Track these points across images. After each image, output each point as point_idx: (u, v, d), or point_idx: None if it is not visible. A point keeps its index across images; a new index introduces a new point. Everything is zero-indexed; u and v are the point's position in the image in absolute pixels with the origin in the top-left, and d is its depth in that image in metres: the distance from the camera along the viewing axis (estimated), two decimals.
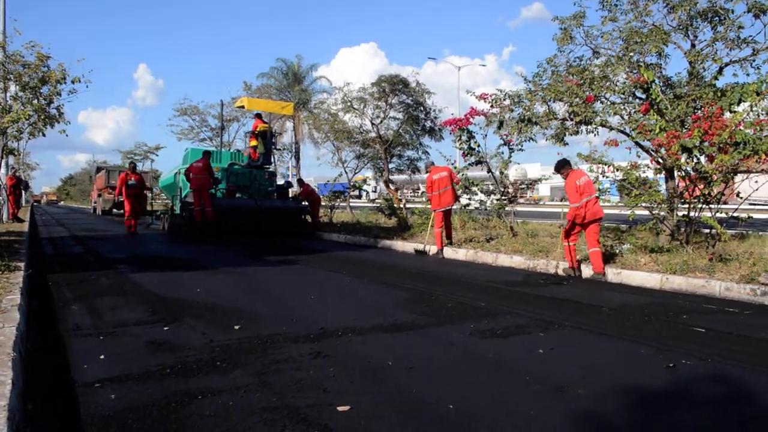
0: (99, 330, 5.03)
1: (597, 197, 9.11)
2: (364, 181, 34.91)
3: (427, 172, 12.56)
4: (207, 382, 3.65)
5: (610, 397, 3.53)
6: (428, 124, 23.60)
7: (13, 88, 17.47)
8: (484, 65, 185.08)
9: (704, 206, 9.17)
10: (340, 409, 3.22)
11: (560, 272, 9.08)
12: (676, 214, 9.97)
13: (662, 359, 4.29)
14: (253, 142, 17.74)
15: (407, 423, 3.09)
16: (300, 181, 19.74)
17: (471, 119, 12.61)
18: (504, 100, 12.42)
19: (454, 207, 13.01)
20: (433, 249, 12.02)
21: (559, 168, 9.37)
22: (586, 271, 8.78)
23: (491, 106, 12.51)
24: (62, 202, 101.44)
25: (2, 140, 17.57)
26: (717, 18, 11.26)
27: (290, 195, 19.76)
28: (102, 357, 4.19)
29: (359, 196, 50.32)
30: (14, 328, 4.20)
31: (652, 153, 10.58)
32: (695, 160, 9.23)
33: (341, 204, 23.27)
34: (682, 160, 9.14)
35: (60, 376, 3.80)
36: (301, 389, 3.54)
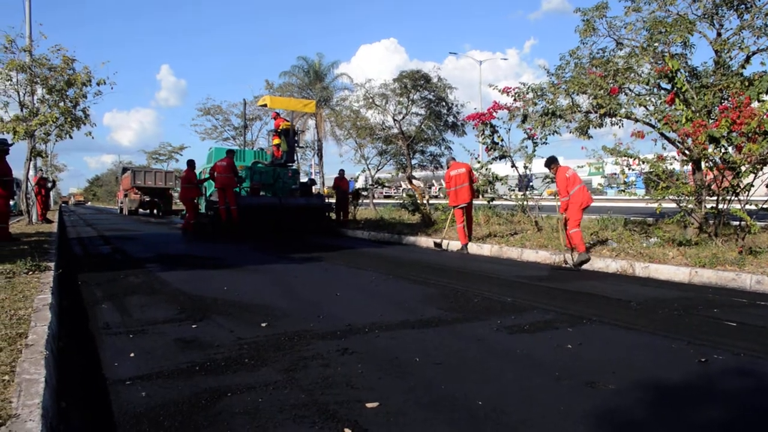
0: (129, 328, 5.09)
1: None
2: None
3: (447, 168, 12.61)
4: (236, 380, 3.68)
5: (641, 392, 3.48)
6: (450, 119, 23.59)
7: (39, 91, 17.82)
8: (505, 59, 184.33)
9: (733, 197, 9.03)
10: (368, 405, 3.22)
11: (572, 264, 9.11)
12: (704, 206, 9.82)
13: (693, 354, 4.23)
14: (276, 141, 17.85)
15: (437, 419, 3.08)
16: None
17: (494, 113, 12.55)
18: (527, 93, 12.34)
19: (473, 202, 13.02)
20: (453, 244, 12.00)
21: (549, 164, 9.93)
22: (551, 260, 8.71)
23: (514, 100, 12.44)
24: (89, 203, 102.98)
25: (30, 143, 17.90)
26: (743, 6, 11.09)
27: (314, 191, 19.83)
28: (132, 355, 4.24)
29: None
30: (46, 326, 4.26)
31: (679, 144, 10.44)
32: (723, 150, 9.10)
33: (365, 201, 23.30)
34: (710, 150, 9.01)
35: (92, 373, 3.85)
36: (330, 386, 3.55)
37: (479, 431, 2.93)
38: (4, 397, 2.86)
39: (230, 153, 16.52)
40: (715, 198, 9.41)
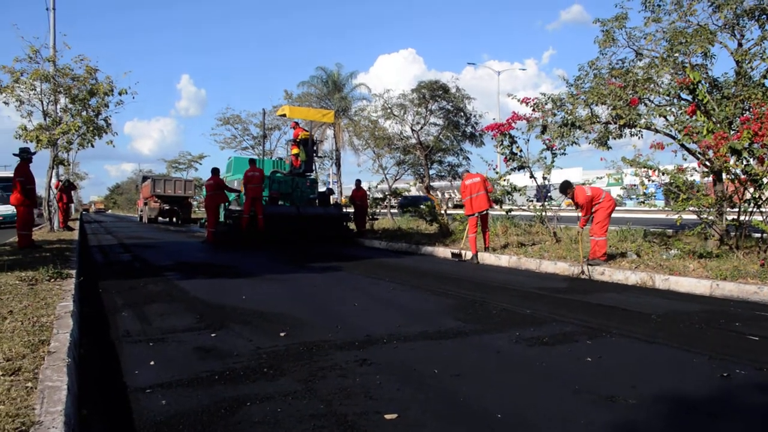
0: (148, 336, 5.13)
1: None
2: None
3: (461, 179, 12.71)
4: (255, 389, 3.69)
5: (662, 406, 3.45)
6: (469, 129, 23.60)
7: (62, 100, 18.08)
8: (524, 69, 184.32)
9: (755, 209, 8.93)
10: (387, 416, 3.22)
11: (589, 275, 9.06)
12: (725, 218, 9.72)
13: (715, 368, 4.18)
14: (295, 150, 17.96)
15: (456, 430, 3.07)
16: (358, 183, 19.74)
17: (513, 124, 12.53)
18: (546, 104, 12.31)
19: (491, 212, 13.02)
20: (468, 254, 12.00)
21: (564, 189, 9.85)
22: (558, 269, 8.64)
23: (533, 110, 12.41)
24: (109, 211, 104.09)
25: (53, 151, 18.15)
26: (765, 16, 10.99)
27: (332, 201, 19.90)
28: (152, 363, 4.27)
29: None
30: (68, 334, 4.31)
31: (699, 156, 10.36)
32: (744, 162, 9.01)
33: (382, 210, 23.32)
34: (731, 162, 8.93)
35: (112, 381, 3.88)
36: (348, 396, 3.55)
37: None
38: (28, 403, 2.89)
39: (253, 163, 16.64)
40: (736, 210, 9.32)
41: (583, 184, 13.53)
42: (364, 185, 19.74)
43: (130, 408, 3.39)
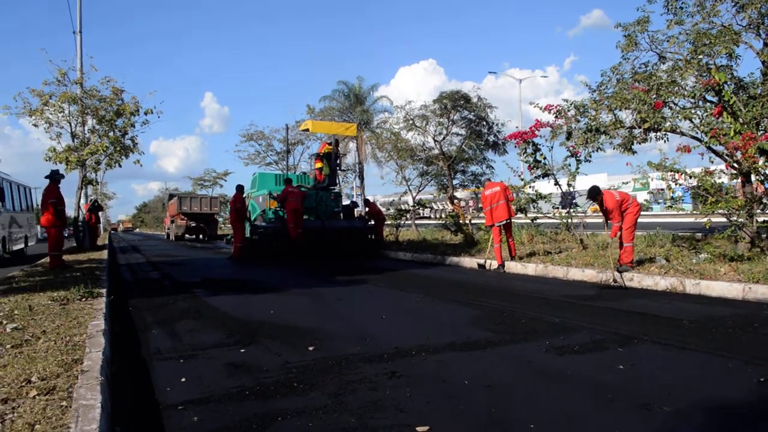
0: (179, 353, 5.17)
1: None
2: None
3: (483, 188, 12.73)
4: (285, 404, 3.70)
5: (699, 414, 3.39)
6: (491, 138, 23.53)
7: (90, 121, 18.41)
8: (545, 76, 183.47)
9: None
10: (419, 429, 3.20)
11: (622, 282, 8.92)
12: (756, 220, 9.56)
13: (752, 373, 4.10)
14: (319, 164, 18.06)
15: None
16: (366, 202, 19.95)
17: (536, 132, 12.48)
18: (569, 110, 12.25)
19: (514, 220, 12.95)
20: (494, 264, 11.93)
21: (594, 196, 9.59)
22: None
23: (556, 117, 12.36)
24: (137, 229, 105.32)
25: (81, 172, 18.47)
26: None
27: (357, 214, 19.97)
28: (183, 380, 4.30)
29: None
30: (100, 352, 4.36)
31: (727, 158, 10.20)
32: None
33: (407, 222, 23.31)
34: (760, 163, 8.79)
35: (144, 398, 3.92)
36: (379, 410, 3.54)
37: None
38: (63, 422, 2.93)
39: (289, 181, 16.81)
40: (767, 212, 9.16)
41: (610, 188, 13.44)
42: (379, 198, 19.85)
43: (162, 425, 3.42)
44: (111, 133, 17.97)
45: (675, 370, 4.34)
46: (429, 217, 47.15)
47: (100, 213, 26.13)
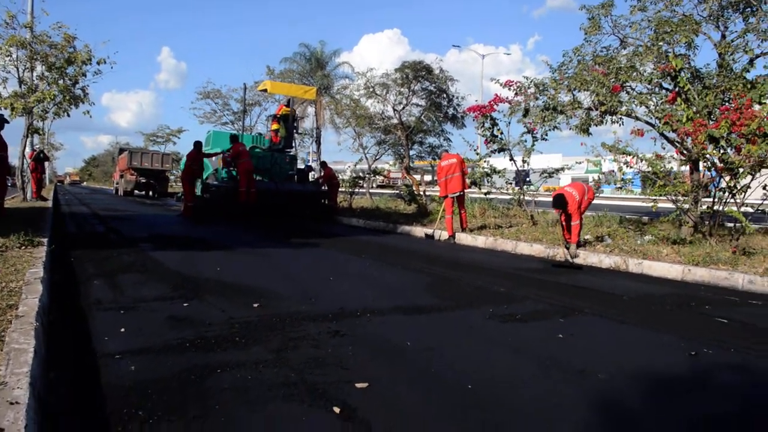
0: (120, 305, 5.06)
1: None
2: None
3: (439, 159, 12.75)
4: (226, 357, 3.66)
5: (631, 381, 3.49)
6: (450, 111, 23.59)
7: (39, 68, 17.74)
8: (508, 54, 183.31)
9: (729, 198, 9.03)
10: (358, 385, 3.22)
11: (571, 260, 9.05)
12: (700, 206, 9.84)
13: (684, 347, 4.23)
14: (275, 126, 17.79)
15: (426, 400, 3.08)
16: (323, 164, 19.81)
17: (495, 106, 12.52)
18: (529, 87, 12.32)
19: (467, 194, 13.03)
20: (444, 235, 12.03)
21: (563, 205, 9.18)
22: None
23: (516, 94, 12.43)
24: (85, 183, 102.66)
25: (28, 119, 17.84)
26: (749, 9, 11.06)
27: (312, 178, 19.83)
28: (123, 330, 4.22)
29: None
30: (37, 299, 4.24)
31: (678, 144, 10.44)
32: (722, 151, 9.10)
33: (361, 190, 23.28)
34: (709, 150, 9.01)
35: (81, 347, 3.83)
36: (320, 366, 3.54)
37: (469, 414, 2.93)
38: None
39: (236, 138, 16.46)
40: (711, 199, 9.42)
41: (561, 169, 13.63)
42: (340, 166, 19.76)
43: (98, 372, 3.34)
44: (60, 81, 17.36)
45: (612, 342, 4.45)
46: (385, 186, 47.21)
47: (45, 163, 25.33)
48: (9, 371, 2.79)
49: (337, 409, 2.88)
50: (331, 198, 18.62)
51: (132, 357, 3.62)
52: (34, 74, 17.71)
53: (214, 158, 17.48)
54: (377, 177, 23.53)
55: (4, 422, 2.27)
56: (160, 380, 3.24)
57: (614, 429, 2.87)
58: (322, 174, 19.29)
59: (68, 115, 17.96)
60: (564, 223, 9.38)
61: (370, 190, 26.98)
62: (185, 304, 5.13)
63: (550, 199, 9.63)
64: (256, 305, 5.13)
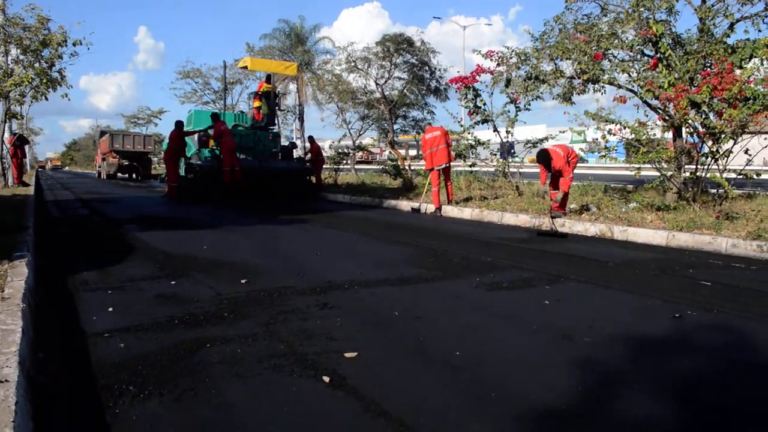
0: (107, 285, 5.04)
1: None
2: None
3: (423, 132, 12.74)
4: (215, 332, 3.67)
5: (616, 344, 3.54)
6: (433, 83, 23.45)
7: (14, 51, 17.44)
8: (489, 24, 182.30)
9: (712, 164, 9.10)
10: (347, 355, 3.24)
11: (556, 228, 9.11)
12: (683, 172, 9.91)
13: (668, 310, 4.29)
14: (257, 103, 17.62)
15: (415, 368, 3.11)
16: (311, 139, 19.70)
17: (477, 77, 12.49)
18: (511, 57, 12.29)
19: (453, 167, 13.05)
20: (430, 208, 12.07)
21: (543, 159, 9.47)
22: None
23: (498, 65, 12.39)
24: (66, 168, 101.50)
25: (5, 104, 17.58)
26: None
27: (300, 153, 19.75)
28: (110, 309, 4.21)
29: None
30: (23, 281, 4.21)
31: (660, 111, 10.47)
32: (704, 116, 9.14)
33: (346, 166, 23.22)
34: (691, 115, 9.05)
35: (69, 327, 3.82)
36: (309, 338, 3.55)
37: (457, 379, 2.96)
38: None
39: (217, 116, 16.28)
40: (694, 166, 9.49)
41: (546, 139, 13.65)
42: (327, 142, 19.68)
43: (87, 351, 3.34)
44: (36, 64, 17.07)
45: (597, 306, 4.51)
46: (363, 161, 47.15)
47: (26, 147, 24.99)
48: None
49: (326, 379, 2.90)
50: (316, 174, 18.58)
51: (121, 335, 3.62)
52: (9, 58, 17.41)
53: (196, 137, 17.33)
54: (357, 153, 23.46)
55: None
56: (150, 356, 3.24)
57: (600, 389, 2.91)
58: (311, 148, 19.22)
59: (46, 99, 17.71)
60: (551, 189, 9.50)
61: (355, 167, 26.90)
62: (172, 282, 5.12)
63: (535, 170, 9.68)
64: (243, 281, 5.13)
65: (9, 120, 19.15)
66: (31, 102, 18.37)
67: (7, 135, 20.38)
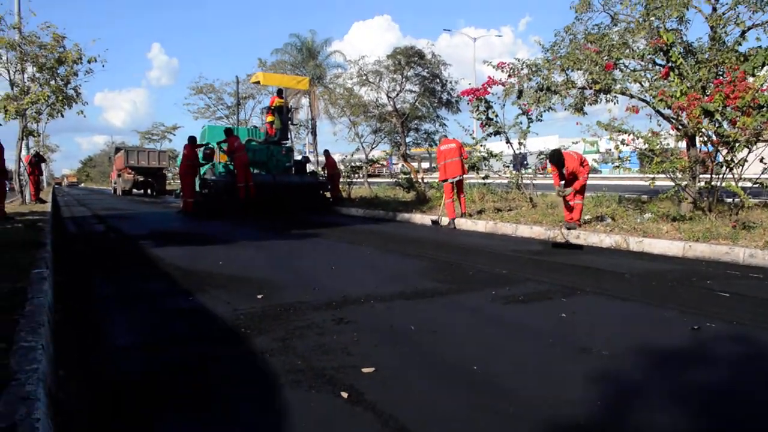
0: (124, 301, 5.09)
1: None
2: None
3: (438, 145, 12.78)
4: (232, 347, 3.69)
5: (635, 357, 3.51)
6: (445, 96, 23.53)
7: (30, 69, 17.65)
8: (500, 36, 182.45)
9: (727, 173, 9.04)
10: (364, 370, 3.24)
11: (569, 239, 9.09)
12: (698, 182, 9.85)
13: (686, 322, 4.26)
14: (270, 118, 17.75)
15: (433, 383, 3.10)
16: (326, 153, 19.82)
17: (489, 89, 12.52)
18: (522, 69, 12.31)
19: (466, 179, 13.05)
20: (445, 220, 12.07)
21: (555, 159, 9.63)
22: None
23: (509, 76, 12.41)
24: (82, 184, 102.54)
25: (22, 122, 17.77)
26: None
27: (315, 168, 19.86)
28: (128, 325, 4.25)
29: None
30: (42, 298, 4.25)
31: (673, 120, 10.44)
32: (717, 124, 9.10)
33: (359, 179, 23.29)
34: (704, 124, 9.01)
35: (88, 343, 3.86)
36: (326, 353, 3.56)
37: (475, 393, 2.95)
38: (2, 363, 2.86)
39: (231, 131, 16.39)
40: (708, 175, 9.43)
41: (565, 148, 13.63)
42: (337, 156, 19.77)
43: (105, 367, 3.38)
44: (52, 82, 17.28)
45: (614, 319, 4.48)
46: (372, 175, 47.25)
47: (42, 165, 25.26)
48: (19, 368, 2.81)
49: (345, 394, 2.91)
50: (334, 187, 18.67)
51: (138, 351, 3.66)
52: (26, 76, 17.62)
53: (200, 150, 17.39)
54: (366, 166, 23.57)
55: (16, 417, 2.30)
56: (168, 372, 3.27)
57: (620, 402, 2.90)
58: (327, 163, 19.34)
59: (62, 116, 17.89)
60: (567, 201, 9.52)
61: (368, 180, 26.95)
62: (189, 298, 5.16)
63: (548, 182, 9.68)
64: (259, 296, 5.15)
65: (26, 138, 19.35)
66: (48, 119, 18.56)
67: (24, 152, 20.60)
